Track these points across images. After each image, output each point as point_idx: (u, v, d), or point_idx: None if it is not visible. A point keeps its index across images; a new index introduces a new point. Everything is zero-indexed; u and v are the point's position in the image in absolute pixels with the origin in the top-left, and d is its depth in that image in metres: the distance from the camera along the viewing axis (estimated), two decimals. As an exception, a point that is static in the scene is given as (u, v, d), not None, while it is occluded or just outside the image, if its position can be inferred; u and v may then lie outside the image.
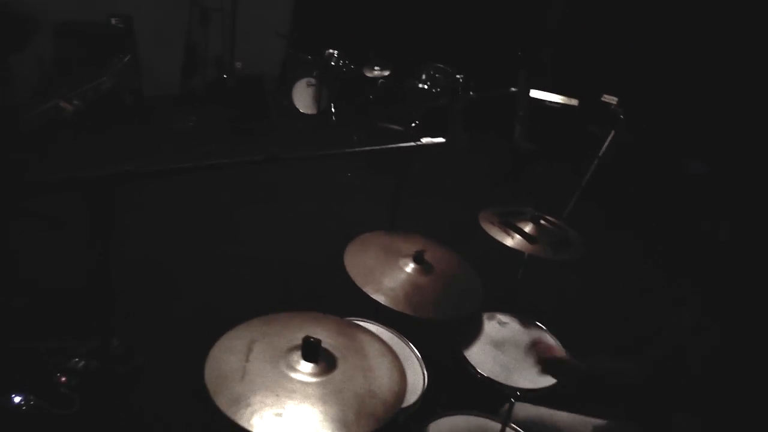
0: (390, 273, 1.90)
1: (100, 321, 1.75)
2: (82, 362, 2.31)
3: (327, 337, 1.44)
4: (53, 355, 2.33)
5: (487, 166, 6.09)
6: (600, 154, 4.04)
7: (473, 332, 2.10)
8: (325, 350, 1.38)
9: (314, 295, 3.12)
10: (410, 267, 1.93)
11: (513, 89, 3.97)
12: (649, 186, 4.34)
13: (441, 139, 1.92)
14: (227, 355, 1.35)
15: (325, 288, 2.91)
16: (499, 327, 2.14)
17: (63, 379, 2.22)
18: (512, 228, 2.03)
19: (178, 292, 3.04)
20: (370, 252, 1.98)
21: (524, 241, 2.00)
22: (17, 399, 2.08)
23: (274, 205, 4.33)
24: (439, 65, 6.16)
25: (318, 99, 6.55)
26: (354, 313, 2.07)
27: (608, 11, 6.08)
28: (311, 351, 1.34)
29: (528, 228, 2.06)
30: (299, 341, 1.36)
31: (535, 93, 6.22)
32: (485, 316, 2.17)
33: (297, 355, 1.35)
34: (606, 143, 4.06)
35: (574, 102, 6.06)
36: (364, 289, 1.80)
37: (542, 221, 2.08)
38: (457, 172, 5.66)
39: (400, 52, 6.63)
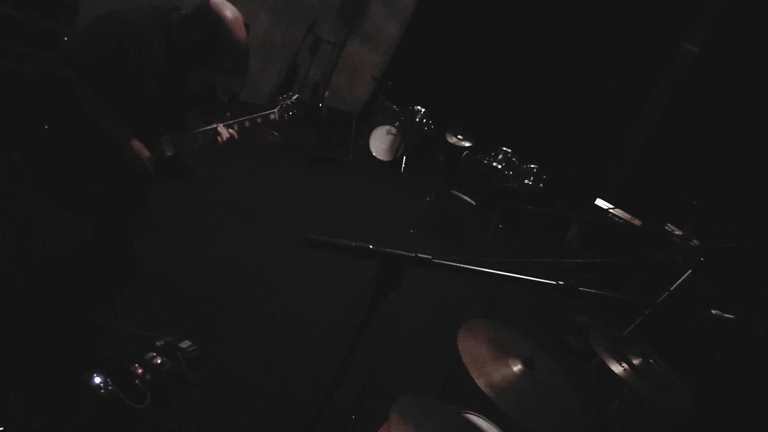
0: (499, 370, 1.90)
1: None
2: (158, 359, 2.31)
3: None
4: (137, 342, 2.35)
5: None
6: (672, 288, 4.03)
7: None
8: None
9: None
10: (518, 368, 1.93)
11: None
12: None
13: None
14: None
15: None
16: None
17: (140, 371, 2.22)
18: (623, 357, 2.02)
19: (255, 304, 3.06)
20: (482, 342, 1.99)
21: (634, 375, 1.99)
22: (98, 380, 2.08)
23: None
24: (507, 150, 6.28)
25: (394, 148, 6.68)
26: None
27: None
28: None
29: (637, 362, 2.06)
30: None
31: (599, 202, 6.31)
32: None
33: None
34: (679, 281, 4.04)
35: (636, 222, 6.13)
36: (477, 381, 1.80)
37: (652, 360, 2.08)
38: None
39: (483, 127, 6.79)
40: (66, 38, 3.84)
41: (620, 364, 2.03)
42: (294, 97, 2.50)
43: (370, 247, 1.02)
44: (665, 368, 2.10)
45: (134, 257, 2.62)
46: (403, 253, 1.03)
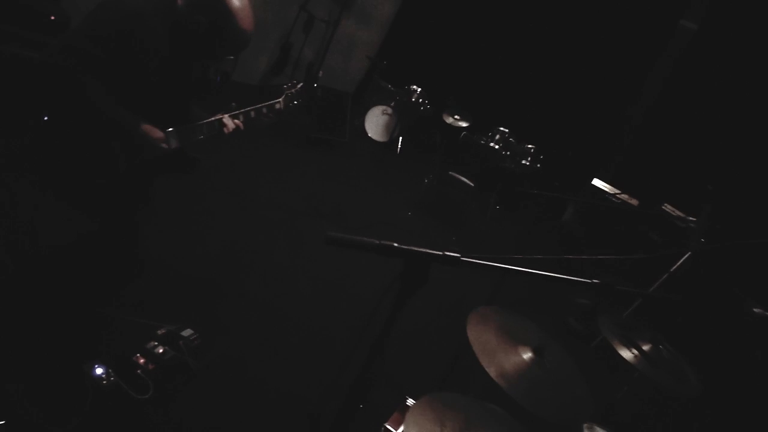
0: (510, 358, 1.88)
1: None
2: (160, 348, 2.27)
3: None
4: (139, 331, 2.31)
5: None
6: (672, 270, 4.03)
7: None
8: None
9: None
10: (528, 356, 1.91)
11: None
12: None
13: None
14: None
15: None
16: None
17: (141, 360, 2.18)
18: (632, 343, 2.01)
19: (258, 294, 3.02)
20: (491, 330, 1.96)
21: (644, 361, 1.98)
22: (99, 371, 2.04)
23: (344, 230, 4.33)
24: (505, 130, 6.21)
25: (390, 129, 6.60)
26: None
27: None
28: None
29: (647, 348, 2.04)
30: None
31: (596, 182, 6.29)
32: (585, 426, 2.14)
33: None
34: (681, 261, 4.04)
35: (634, 202, 6.12)
36: (488, 370, 1.78)
37: (662, 346, 2.06)
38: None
39: (480, 107, 6.72)
40: (53, 17, 3.71)
41: (630, 350, 2.01)
42: (299, 86, 2.42)
43: (395, 245, 0.97)
44: (676, 354, 2.09)
45: (137, 248, 2.57)
46: (429, 251, 0.99)
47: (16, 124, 2.12)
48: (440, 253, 0.98)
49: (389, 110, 6.56)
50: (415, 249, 0.97)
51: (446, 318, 3.53)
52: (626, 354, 2.01)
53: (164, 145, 2.09)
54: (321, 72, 6.88)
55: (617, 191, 5.88)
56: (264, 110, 2.32)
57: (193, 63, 2.22)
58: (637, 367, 2.00)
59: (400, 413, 2.11)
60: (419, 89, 6.58)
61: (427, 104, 6.67)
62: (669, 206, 5.68)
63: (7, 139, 2.86)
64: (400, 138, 6.73)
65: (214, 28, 2.01)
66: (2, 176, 2.78)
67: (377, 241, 0.97)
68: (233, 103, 2.26)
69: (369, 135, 6.63)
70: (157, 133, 2.07)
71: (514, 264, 0.99)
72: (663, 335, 2.08)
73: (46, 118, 1.94)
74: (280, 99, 2.37)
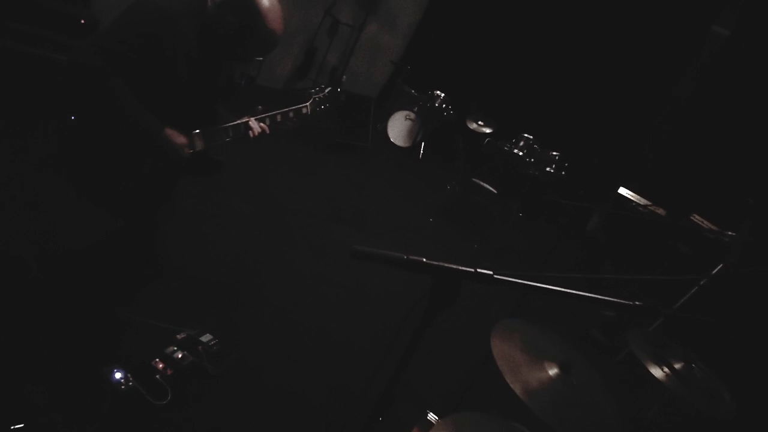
0: (535, 375, 1.81)
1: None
2: (179, 353, 2.26)
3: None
4: (158, 335, 2.30)
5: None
6: (701, 283, 3.90)
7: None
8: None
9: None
10: (554, 372, 1.85)
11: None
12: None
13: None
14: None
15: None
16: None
17: (160, 365, 2.17)
18: (664, 361, 1.93)
19: (270, 298, 3.00)
20: (516, 344, 1.90)
21: (676, 380, 1.90)
22: (118, 375, 2.03)
23: (365, 235, 4.29)
24: (529, 136, 6.10)
25: (413, 134, 6.56)
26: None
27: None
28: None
29: (678, 366, 1.96)
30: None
31: (623, 191, 6.15)
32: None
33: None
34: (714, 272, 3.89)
35: (660, 211, 5.96)
36: (513, 386, 1.72)
37: (694, 364, 1.98)
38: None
39: (504, 113, 6.63)
40: (83, 21, 3.76)
41: (661, 368, 1.93)
42: (327, 90, 2.40)
43: (424, 260, 0.93)
44: (709, 373, 2.00)
45: (156, 249, 2.57)
46: (461, 267, 0.94)
47: (42, 125, 2.13)
48: (472, 269, 0.93)
49: (412, 115, 6.52)
50: (445, 265, 0.92)
51: (467, 326, 3.46)
52: (657, 372, 1.93)
53: (188, 150, 2.09)
54: (344, 77, 6.87)
55: (647, 202, 5.74)
56: (291, 114, 2.31)
57: (221, 65, 2.21)
58: (668, 385, 1.92)
59: (420, 428, 2.06)
60: (443, 95, 6.52)
61: (451, 110, 6.61)
62: (698, 217, 5.52)
63: (34, 140, 2.90)
64: (423, 143, 6.68)
65: (244, 29, 2.00)
66: (27, 177, 2.81)
67: (405, 256, 0.92)
68: (260, 107, 2.24)
69: (391, 140, 6.59)
70: (181, 139, 2.07)
71: (550, 282, 0.94)
72: (696, 353, 1.99)
73: (73, 118, 1.94)
74: (307, 103, 2.35)
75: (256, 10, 1.97)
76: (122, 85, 1.90)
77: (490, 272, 0.93)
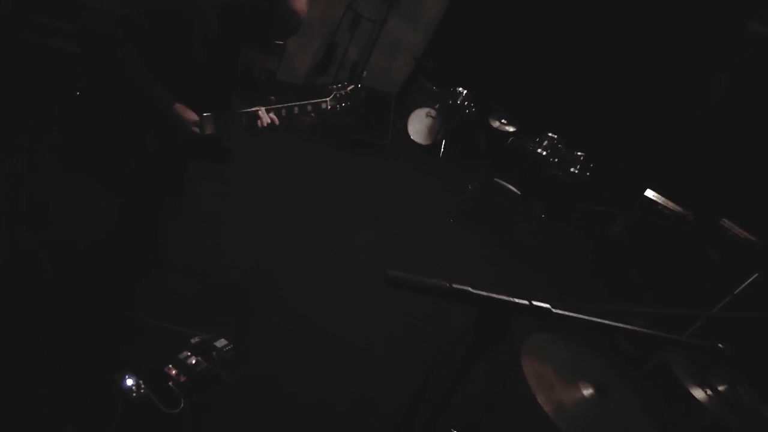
0: (568, 395, 1.69)
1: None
2: (192, 359, 2.18)
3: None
4: (171, 338, 2.23)
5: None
6: (735, 292, 3.73)
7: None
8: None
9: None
10: (588, 392, 1.73)
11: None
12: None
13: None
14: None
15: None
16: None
17: (173, 372, 2.10)
18: (706, 382, 1.79)
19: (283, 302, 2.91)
20: (547, 362, 1.79)
21: (719, 402, 1.76)
22: (130, 381, 1.96)
23: (384, 237, 4.19)
24: (554, 136, 5.92)
25: (434, 131, 6.43)
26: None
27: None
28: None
29: (722, 388, 1.82)
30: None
31: (649, 193, 5.95)
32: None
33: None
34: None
35: (689, 214, 5.76)
36: (545, 407, 1.60)
37: (740, 387, 1.84)
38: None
39: (527, 111, 6.47)
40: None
41: (703, 390, 1.80)
42: (349, 87, 2.29)
43: (470, 290, 0.81)
44: (756, 398, 1.86)
45: (157, 244, 2.48)
46: (513, 299, 0.82)
47: (44, 110, 2.05)
48: (526, 302, 0.81)
49: (433, 112, 6.39)
50: (495, 296, 0.81)
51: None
52: (698, 393, 1.80)
53: (196, 129, 1.98)
54: (365, 72, 6.76)
55: (675, 205, 5.55)
56: (309, 108, 2.21)
57: (239, 50, 2.12)
58: (711, 409, 1.78)
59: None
60: (465, 91, 6.37)
61: (473, 107, 6.46)
62: (728, 221, 5.32)
63: (37, 122, 2.82)
64: (443, 141, 6.54)
65: (266, 10, 1.90)
66: (39, 169, 2.76)
67: (447, 284, 0.80)
68: (272, 97, 2.15)
69: (412, 137, 6.47)
70: (191, 115, 1.95)
71: (611, 316, 0.82)
72: (743, 375, 1.86)
73: (77, 94, 1.86)
74: (327, 98, 2.25)
75: None
76: (134, 54, 1.80)
77: (548, 306, 0.81)
